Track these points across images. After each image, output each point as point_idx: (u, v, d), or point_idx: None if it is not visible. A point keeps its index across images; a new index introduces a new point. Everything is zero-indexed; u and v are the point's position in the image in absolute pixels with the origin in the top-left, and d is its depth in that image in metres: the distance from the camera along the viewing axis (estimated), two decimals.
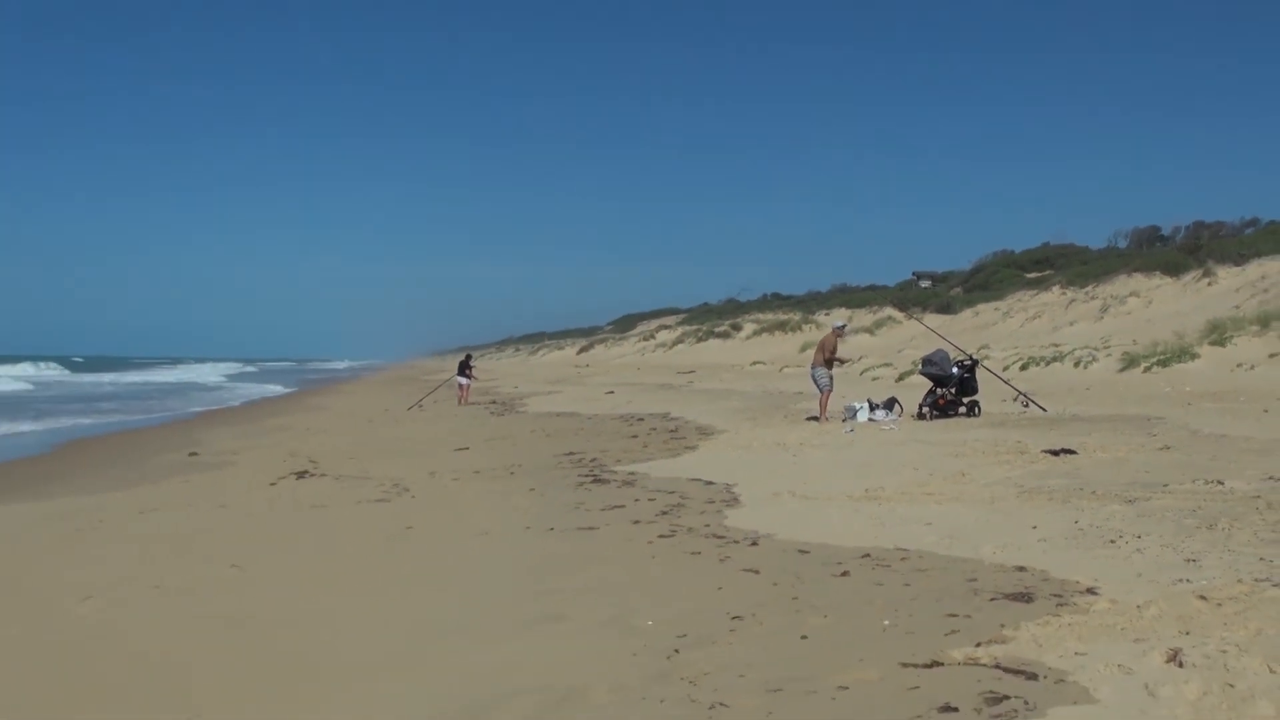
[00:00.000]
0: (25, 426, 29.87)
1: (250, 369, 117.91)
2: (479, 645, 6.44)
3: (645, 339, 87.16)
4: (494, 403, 36.22)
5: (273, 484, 14.54)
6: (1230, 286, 39.08)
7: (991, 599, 6.64)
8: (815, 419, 20.27)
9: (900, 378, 31.59)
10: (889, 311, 60.04)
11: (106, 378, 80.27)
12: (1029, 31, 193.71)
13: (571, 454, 17.08)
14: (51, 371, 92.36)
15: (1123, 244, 59.62)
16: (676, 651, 5.96)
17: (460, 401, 35.36)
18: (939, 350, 21.00)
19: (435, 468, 15.85)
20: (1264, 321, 28.30)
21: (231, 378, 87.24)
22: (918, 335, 40.74)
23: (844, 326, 22.83)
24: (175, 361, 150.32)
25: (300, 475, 15.29)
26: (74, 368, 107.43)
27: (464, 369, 37.44)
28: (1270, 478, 10.19)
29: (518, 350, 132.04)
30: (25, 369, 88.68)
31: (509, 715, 5.19)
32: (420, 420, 28.66)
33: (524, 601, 7.41)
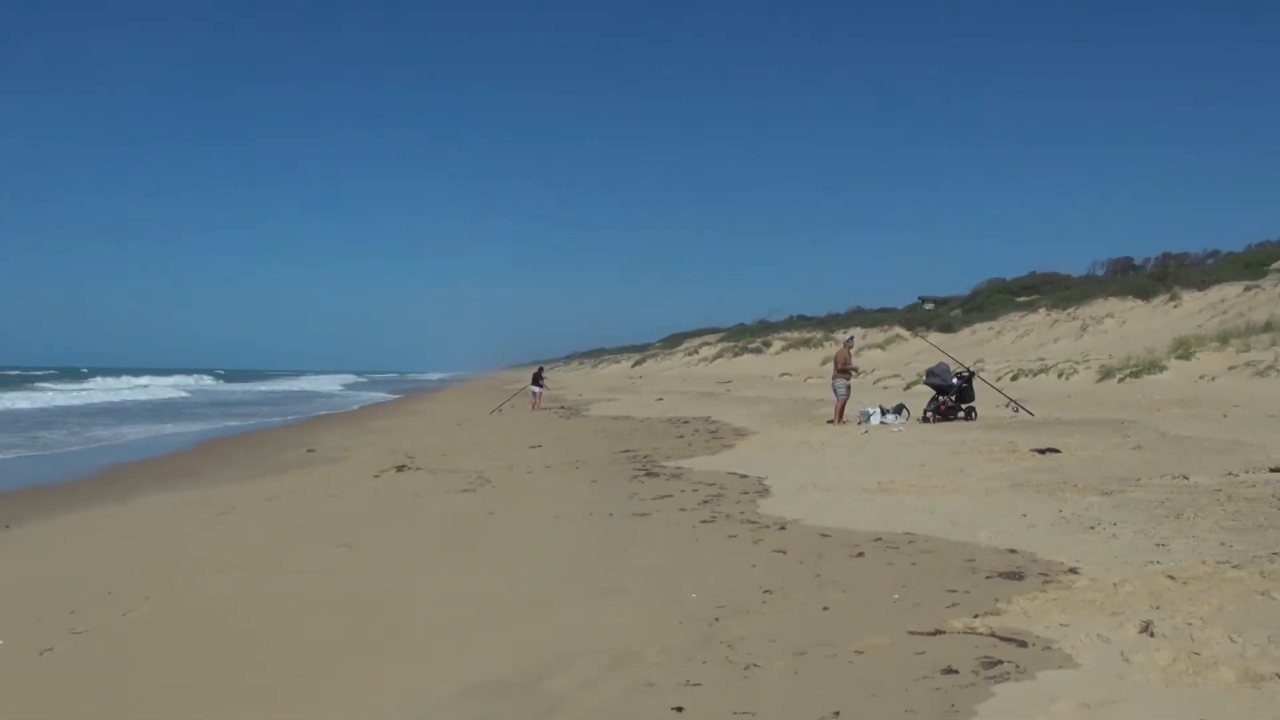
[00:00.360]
0: (188, 427, 30.50)
1: (361, 380, 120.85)
2: (551, 613, 6.46)
3: (689, 354, 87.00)
4: (562, 408, 36.33)
5: (376, 476, 14.65)
6: (1194, 309, 38.50)
7: (987, 577, 6.58)
8: (833, 422, 20.19)
9: (907, 386, 31.34)
10: (898, 330, 59.68)
11: (249, 387, 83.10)
12: (1018, 82, 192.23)
13: (627, 451, 17.09)
14: (205, 382, 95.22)
15: (1100, 272, 58.87)
16: (716, 620, 5.95)
17: (533, 407, 35.50)
18: (941, 363, 20.88)
19: (513, 463, 15.91)
20: (1223, 339, 27.88)
21: (347, 387, 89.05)
22: (923, 350, 40.40)
23: (852, 339, 22.80)
24: (298, 374, 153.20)
25: (400, 469, 15.40)
26: (221, 379, 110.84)
27: (537, 379, 37.59)
28: (1229, 474, 10.02)
29: (581, 363, 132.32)
30: (181, 379, 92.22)
31: (577, 671, 5.20)
32: (500, 423, 28.79)
33: (588, 576, 7.42)
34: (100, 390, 60.62)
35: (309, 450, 20.47)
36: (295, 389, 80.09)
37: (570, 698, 4.86)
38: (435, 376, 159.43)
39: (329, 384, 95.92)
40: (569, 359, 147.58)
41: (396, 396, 63.91)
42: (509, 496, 12.02)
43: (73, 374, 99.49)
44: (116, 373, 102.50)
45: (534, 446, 19.04)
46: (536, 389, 36.94)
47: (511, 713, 4.73)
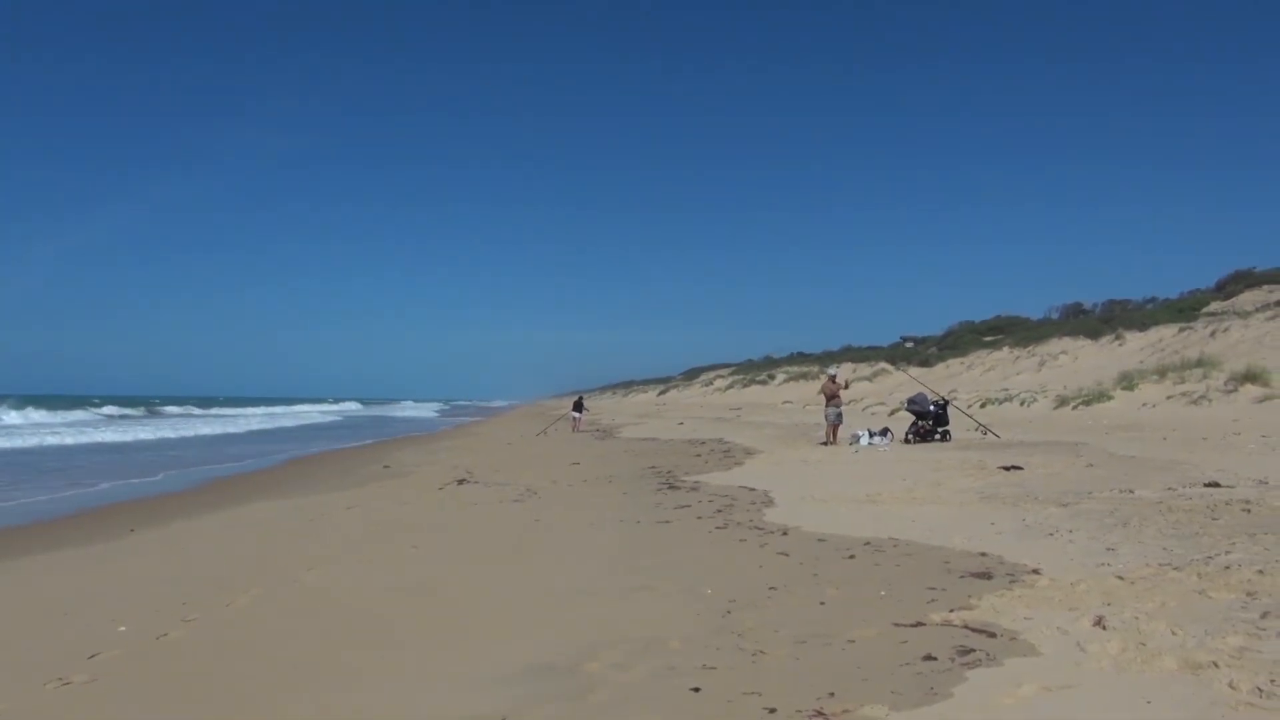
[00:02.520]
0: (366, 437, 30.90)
1: (446, 407, 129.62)
2: (588, 605, 6.42)
3: (706, 385, 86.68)
4: (598, 430, 36.28)
5: (440, 488, 14.67)
6: (1136, 347, 38.04)
7: (961, 576, 6.49)
8: (827, 443, 20.05)
9: (892, 413, 31.07)
10: (883, 365, 59.10)
11: (379, 412, 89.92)
12: (981, 146, 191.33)
13: (653, 467, 17.03)
14: (351, 406, 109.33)
15: (1056, 315, 58.21)
16: (729, 613, 5.89)
17: (574, 430, 35.48)
18: (920, 393, 20.70)
19: (556, 477, 15.89)
20: (1161, 373, 27.50)
21: (439, 413, 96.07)
22: (904, 382, 40.04)
23: (836, 373, 22.67)
24: (399, 401, 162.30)
25: (460, 482, 15.41)
26: (363, 404, 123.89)
27: (578, 406, 37.63)
28: (1169, 488, 9.85)
29: (614, 393, 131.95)
30: (329, 406, 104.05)
31: (609, 656, 5.15)
32: (545, 443, 28.78)
33: (619, 575, 7.38)
34: (267, 416, 63.73)
35: (385, 466, 20.53)
36: (404, 415, 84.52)
37: (605, 678, 4.82)
38: (499, 404, 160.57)
39: (426, 410, 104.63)
40: (603, 389, 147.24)
41: (467, 420, 64.34)
42: (552, 506, 12.00)
43: (229, 402, 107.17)
44: (255, 402, 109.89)
45: (574, 464, 19.00)
46: (577, 415, 36.96)
47: (556, 690, 4.70)
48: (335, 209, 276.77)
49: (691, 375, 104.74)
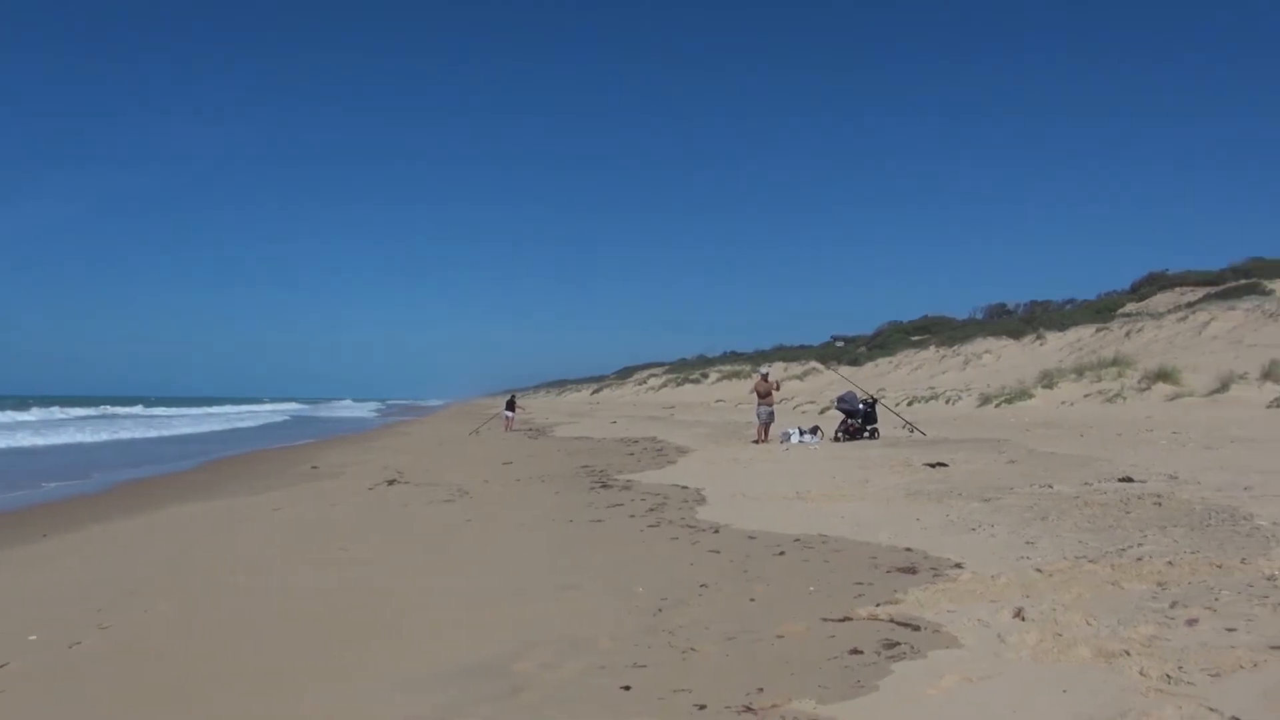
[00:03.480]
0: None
1: (383, 406, 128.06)
2: (519, 605, 6.37)
3: (640, 384, 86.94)
4: (531, 430, 36.09)
5: (370, 489, 14.43)
6: (1056, 347, 39.22)
7: (887, 571, 6.60)
8: (758, 441, 20.24)
9: (822, 411, 31.55)
10: (814, 364, 59.96)
11: (323, 413, 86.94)
12: (910, 154, 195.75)
13: (586, 467, 17.00)
14: (291, 405, 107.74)
15: (980, 315, 59.80)
16: (660, 611, 5.91)
17: (506, 429, 35.24)
18: (849, 392, 21.01)
19: (488, 477, 15.76)
20: (1079, 372, 28.41)
21: (377, 412, 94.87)
22: (834, 381, 40.72)
23: (768, 372, 22.91)
24: (334, 400, 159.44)
25: (390, 483, 15.19)
26: (303, 404, 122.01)
27: (510, 405, 37.37)
28: (1085, 483, 10.15)
29: (548, 392, 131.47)
30: (270, 406, 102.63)
31: (540, 655, 5.13)
32: (477, 443, 28.54)
33: (551, 574, 7.34)
34: (201, 417, 61.57)
35: (313, 467, 20.13)
36: (344, 415, 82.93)
37: (535, 678, 4.79)
38: (434, 403, 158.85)
39: (363, 410, 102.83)
40: (537, 388, 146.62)
41: (401, 420, 63.44)
42: (484, 506, 11.89)
43: (165, 402, 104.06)
44: (189, 402, 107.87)
45: (506, 463, 18.87)
46: (509, 414, 36.71)
47: (486, 691, 4.65)
48: (273, 207, 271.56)
49: (625, 374, 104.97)
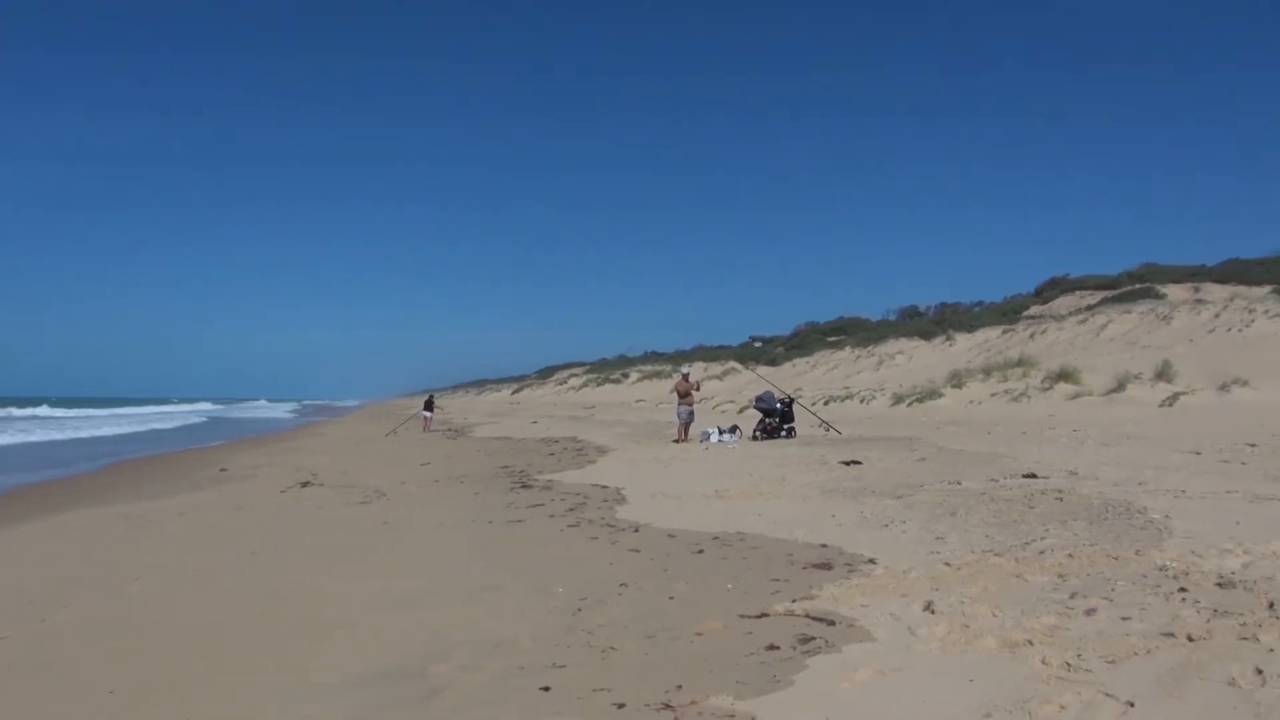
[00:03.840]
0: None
1: (299, 406, 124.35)
2: (436, 608, 6.29)
3: (560, 383, 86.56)
4: (449, 430, 35.63)
5: (283, 492, 14.06)
6: (965, 347, 40.36)
7: (803, 568, 6.71)
8: (679, 441, 20.36)
9: (740, 411, 31.90)
10: (733, 364, 60.51)
11: (237, 414, 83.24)
12: (825, 155, 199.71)
13: (506, 467, 16.87)
14: (205, 405, 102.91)
15: (893, 317, 61.04)
16: (580, 610, 5.90)
17: (424, 429, 34.74)
18: (767, 391, 21.29)
19: (405, 478, 15.51)
20: (987, 372, 29.27)
21: (291, 412, 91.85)
22: (753, 381, 41.21)
23: (688, 372, 23.06)
24: (248, 400, 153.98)
25: (304, 485, 14.82)
26: (217, 404, 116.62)
27: (429, 405, 36.87)
28: (992, 479, 10.46)
29: (467, 392, 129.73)
30: (183, 406, 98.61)
31: (458, 658, 5.08)
32: (394, 443, 28.05)
33: (469, 575, 7.27)
34: (133, 419, 58.00)
35: (222, 469, 19.51)
36: (257, 415, 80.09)
37: (453, 681, 4.74)
38: (350, 403, 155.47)
39: (278, 410, 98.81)
40: (456, 388, 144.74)
41: (316, 420, 61.90)
42: (401, 507, 11.70)
43: (65, 403, 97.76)
44: (95, 403, 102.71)
45: (424, 464, 18.60)
46: (428, 414, 36.20)
47: (403, 695, 4.58)
48: (185, 206, 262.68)
49: (546, 374, 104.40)
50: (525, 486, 13.19)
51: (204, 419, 63.20)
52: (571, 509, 10.49)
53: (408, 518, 10.75)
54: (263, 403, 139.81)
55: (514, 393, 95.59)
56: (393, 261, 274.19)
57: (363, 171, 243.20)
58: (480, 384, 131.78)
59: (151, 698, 4.77)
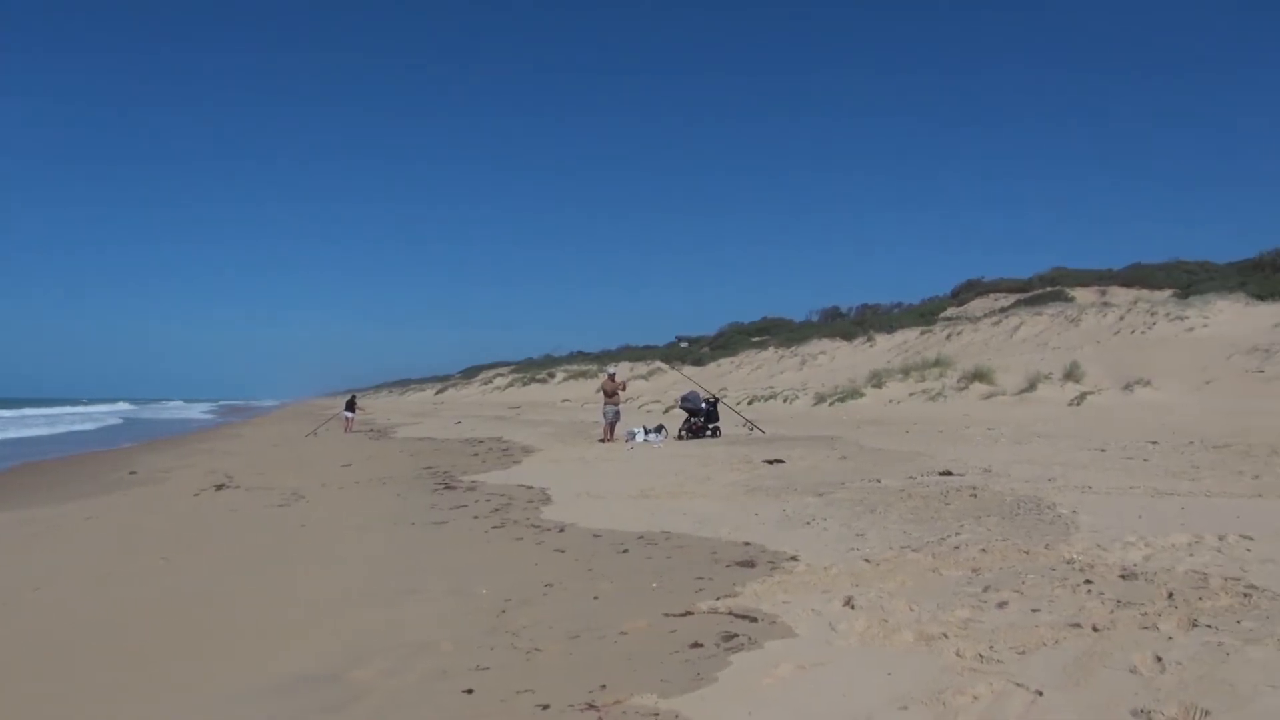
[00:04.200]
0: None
1: (216, 407, 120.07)
2: (356, 612, 6.17)
3: (485, 383, 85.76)
4: (372, 431, 35.00)
5: (196, 495, 13.62)
6: (885, 348, 41.21)
7: (727, 566, 6.76)
8: (604, 440, 20.36)
9: (666, 410, 32.03)
10: (659, 364, 60.79)
11: (148, 411, 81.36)
12: (749, 160, 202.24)
13: (429, 468, 16.64)
14: (121, 406, 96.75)
15: (816, 318, 61.97)
16: (503, 611, 5.85)
17: (346, 430, 34.06)
18: (693, 391, 21.44)
19: (325, 480, 15.18)
20: (905, 372, 29.93)
21: (208, 412, 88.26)
22: (678, 381, 41.39)
23: (614, 372, 23.07)
24: (163, 400, 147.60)
25: (219, 488, 14.38)
26: (133, 404, 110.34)
27: (350, 406, 36.17)
28: (910, 477, 10.72)
29: (391, 392, 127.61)
30: (98, 407, 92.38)
31: (378, 662, 4.98)
32: (315, 444, 27.43)
33: (390, 578, 7.15)
34: (42, 420, 54.08)
35: (131, 472, 18.80)
36: (172, 416, 76.25)
37: (372, 687, 4.65)
38: (269, 403, 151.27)
39: (194, 411, 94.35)
40: (379, 387, 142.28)
41: (232, 421, 60.06)
42: (321, 510, 11.45)
43: None
44: (9, 404, 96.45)
45: (345, 465, 18.23)
46: (349, 414, 35.51)
47: (321, 701, 4.48)
48: (96, 203, 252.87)
49: (471, 374, 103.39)
50: (449, 488, 13.03)
51: (121, 420, 60.66)
52: (496, 510, 10.40)
53: (327, 520, 10.53)
54: (178, 403, 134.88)
55: (438, 393, 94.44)
56: (313, 259, 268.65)
57: (282, 168, 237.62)
58: (404, 384, 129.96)
59: (52, 710, 4.58)
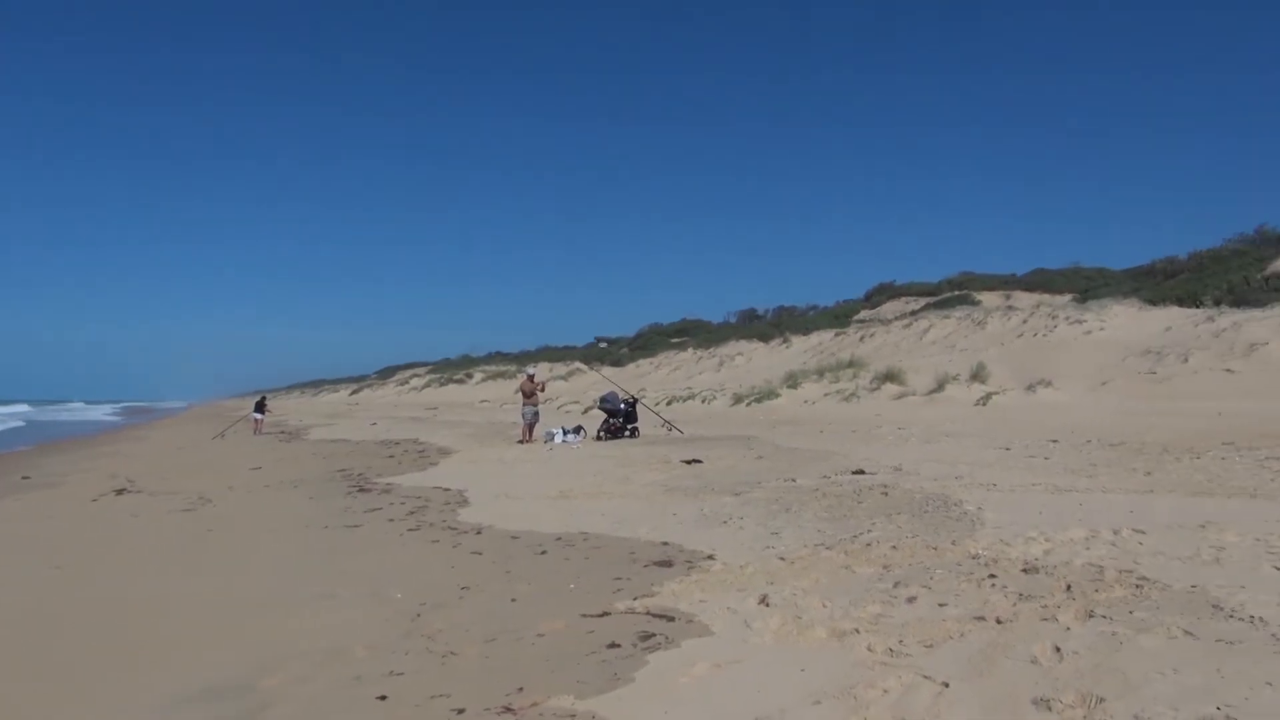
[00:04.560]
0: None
1: (119, 409, 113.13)
2: (266, 618, 6.00)
3: (402, 384, 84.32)
4: (283, 432, 34.07)
5: (94, 500, 13.05)
6: (800, 349, 41.89)
7: (645, 566, 6.79)
8: (523, 441, 20.23)
9: (585, 411, 31.98)
10: (578, 364, 60.69)
11: (46, 413, 76.19)
12: (669, 164, 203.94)
13: (343, 470, 16.28)
14: (21, 408, 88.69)
15: (734, 319, 62.67)
16: (419, 615, 5.77)
17: (255, 432, 33.10)
18: (611, 392, 21.43)
19: (233, 483, 14.73)
20: (820, 373, 30.47)
21: (111, 414, 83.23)
22: (597, 381, 41.38)
23: (533, 373, 22.94)
24: (52, 403, 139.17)
25: (119, 492, 13.82)
26: (33, 406, 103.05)
27: (260, 407, 35.16)
28: (824, 476, 10.90)
29: (303, 393, 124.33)
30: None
31: (289, 670, 4.86)
32: (222, 447, 26.58)
33: (302, 583, 6.97)
34: None
35: (24, 477, 17.92)
36: (72, 418, 71.62)
37: (284, 693, 4.54)
38: (175, 404, 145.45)
39: (96, 413, 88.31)
40: (291, 388, 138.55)
41: (136, 422, 57.66)
42: (229, 514, 11.10)
43: None
44: None
45: (254, 468, 17.72)
46: (259, 415, 34.51)
47: (229, 711, 4.35)
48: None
49: (387, 374, 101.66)
50: (363, 490, 12.78)
51: (24, 423, 57.54)
52: (412, 512, 10.24)
53: (235, 525, 10.22)
54: (78, 405, 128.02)
55: (353, 393, 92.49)
56: (221, 257, 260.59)
57: (188, 167, 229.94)
58: (317, 385, 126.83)
59: None
